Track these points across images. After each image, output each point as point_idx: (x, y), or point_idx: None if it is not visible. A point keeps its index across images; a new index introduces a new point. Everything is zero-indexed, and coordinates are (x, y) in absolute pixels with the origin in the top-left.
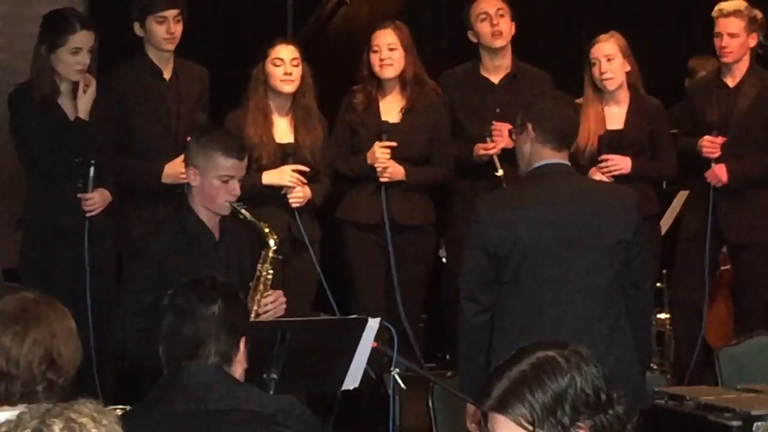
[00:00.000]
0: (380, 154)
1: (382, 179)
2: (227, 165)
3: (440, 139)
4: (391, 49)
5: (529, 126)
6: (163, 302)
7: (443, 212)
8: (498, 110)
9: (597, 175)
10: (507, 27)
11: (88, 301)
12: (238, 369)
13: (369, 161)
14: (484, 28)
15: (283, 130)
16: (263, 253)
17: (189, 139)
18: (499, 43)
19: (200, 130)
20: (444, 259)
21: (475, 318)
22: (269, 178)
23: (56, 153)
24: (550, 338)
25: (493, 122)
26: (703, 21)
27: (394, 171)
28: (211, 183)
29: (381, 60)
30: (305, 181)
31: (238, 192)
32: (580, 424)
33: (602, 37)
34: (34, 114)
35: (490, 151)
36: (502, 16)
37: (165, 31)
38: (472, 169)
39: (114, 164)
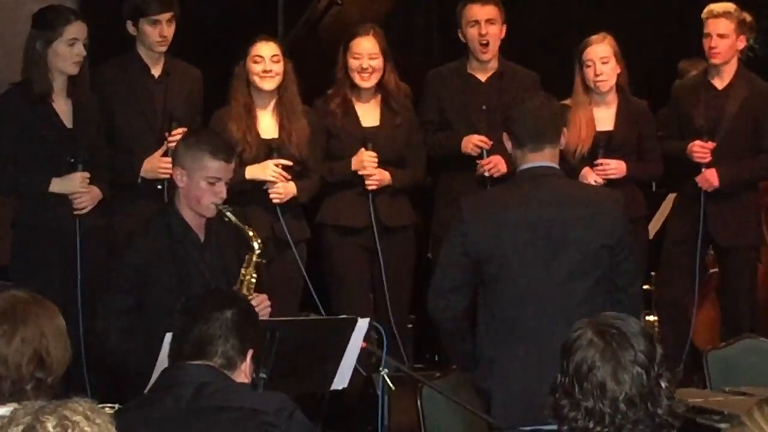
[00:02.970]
0: (368, 163)
1: (370, 187)
2: (214, 167)
3: (414, 140)
4: (372, 59)
5: (505, 136)
6: (176, 307)
7: (428, 211)
8: (484, 107)
9: (590, 176)
10: (495, 35)
11: (79, 300)
12: (241, 379)
13: (354, 168)
14: (472, 34)
15: (267, 126)
16: (247, 256)
17: (167, 134)
18: (484, 57)
19: (189, 131)
20: (430, 255)
21: (444, 317)
22: (252, 172)
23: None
24: (530, 339)
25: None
26: (694, 22)
27: (382, 178)
28: (197, 184)
29: (363, 69)
30: (288, 177)
31: (224, 194)
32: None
33: (595, 38)
34: (20, 120)
35: (483, 144)
36: (492, 24)
37: (158, 33)
38: (455, 166)
39: (106, 162)
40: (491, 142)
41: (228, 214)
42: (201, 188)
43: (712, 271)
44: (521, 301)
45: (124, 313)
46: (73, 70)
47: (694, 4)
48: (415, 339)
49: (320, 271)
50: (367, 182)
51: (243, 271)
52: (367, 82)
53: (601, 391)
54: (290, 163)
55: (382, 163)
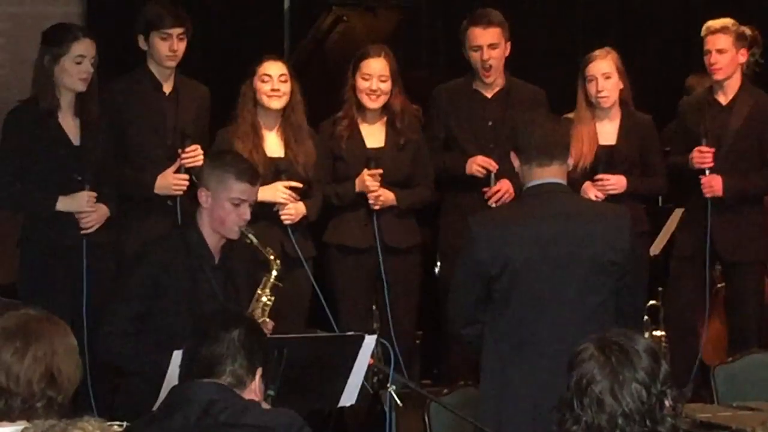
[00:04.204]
0: (370, 183)
1: (374, 207)
2: (239, 188)
3: (421, 160)
4: (382, 81)
5: (512, 154)
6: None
7: (436, 228)
8: (491, 123)
9: (591, 191)
10: (498, 58)
11: (84, 317)
12: (251, 398)
13: (358, 189)
14: (474, 57)
15: (273, 146)
16: (264, 278)
17: (180, 150)
18: (488, 80)
19: (214, 152)
20: (437, 270)
21: (472, 331)
22: (262, 194)
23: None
24: (539, 355)
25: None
26: (700, 38)
27: (386, 198)
28: (222, 206)
29: (372, 91)
30: (298, 197)
31: (248, 216)
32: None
33: (598, 53)
34: (27, 136)
35: (490, 167)
36: (494, 48)
37: (168, 48)
38: (462, 183)
39: (114, 179)
40: (497, 166)
41: (250, 236)
42: (225, 209)
43: (719, 285)
44: (530, 318)
45: (130, 319)
46: (81, 87)
47: (699, 18)
48: (422, 355)
49: (323, 289)
50: (370, 202)
51: (259, 291)
52: (375, 103)
53: (599, 406)
54: (300, 185)
55: (388, 184)
